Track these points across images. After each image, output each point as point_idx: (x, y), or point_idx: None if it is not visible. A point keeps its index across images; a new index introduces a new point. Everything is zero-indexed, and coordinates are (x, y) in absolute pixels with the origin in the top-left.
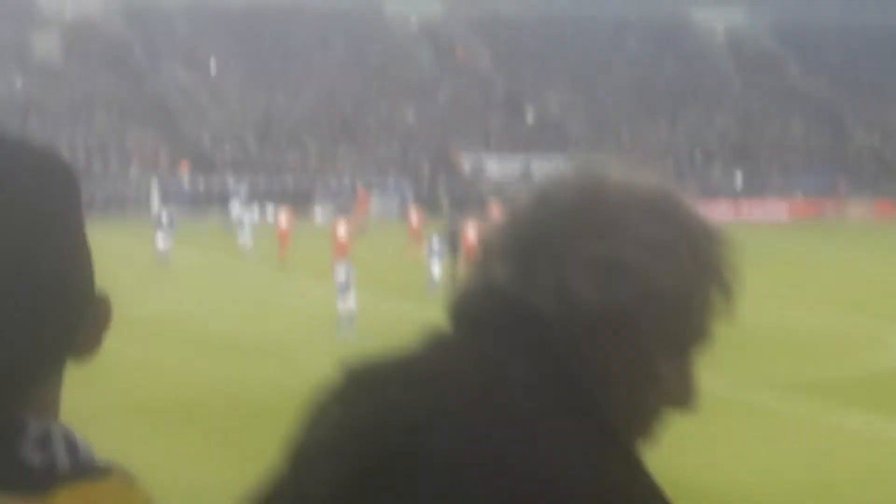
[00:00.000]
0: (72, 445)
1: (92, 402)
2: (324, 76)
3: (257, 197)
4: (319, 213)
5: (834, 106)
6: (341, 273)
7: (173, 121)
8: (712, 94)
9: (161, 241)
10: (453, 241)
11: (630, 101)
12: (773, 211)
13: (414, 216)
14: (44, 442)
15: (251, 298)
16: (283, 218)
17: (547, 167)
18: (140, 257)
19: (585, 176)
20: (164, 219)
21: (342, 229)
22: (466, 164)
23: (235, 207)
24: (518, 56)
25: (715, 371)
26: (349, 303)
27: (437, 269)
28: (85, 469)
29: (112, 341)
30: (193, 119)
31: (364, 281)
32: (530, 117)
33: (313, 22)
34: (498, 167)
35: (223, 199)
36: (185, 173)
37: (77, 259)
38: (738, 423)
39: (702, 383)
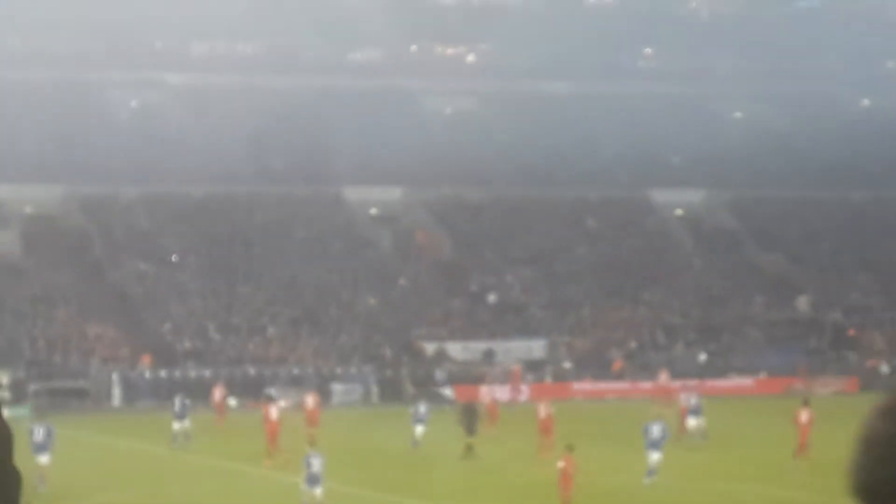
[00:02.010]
0: None
1: None
2: (285, 264)
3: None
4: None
5: (793, 282)
6: (314, 463)
7: (134, 313)
8: (673, 273)
9: (176, 425)
10: (468, 413)
11: (591, 281)
12: (737, 390)
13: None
14: None
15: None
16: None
17: (510, 350)
18: (102, 450)
19: None
20: (178, 407)
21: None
22: (429, 349)
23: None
24: (478, 239)
25: None
26: (317, 491)
27: (420, 430)
28: None
29: None
30: (154, 311)
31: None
32: (492, 300)
33: (273, 211)
34: (461, 351)
35: (184, 390)
36: (146, 366)
37: None
38: None
39: None
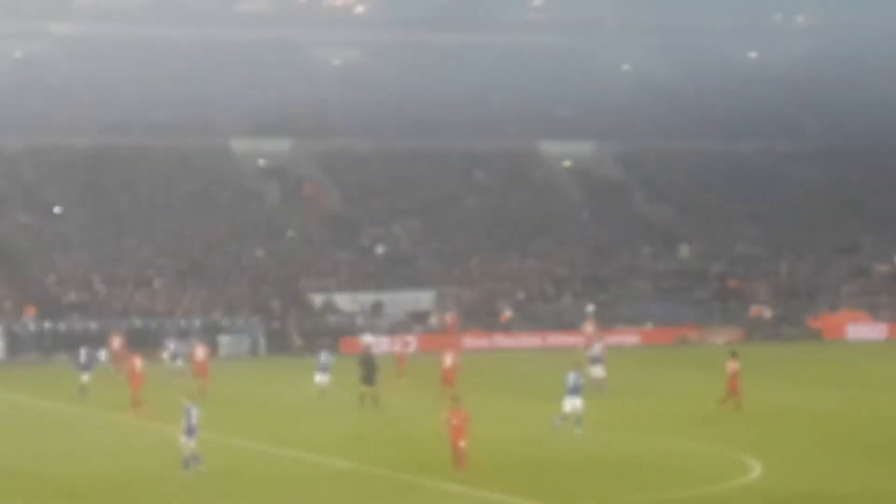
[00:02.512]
0: None
1: None
2: (171, 216)
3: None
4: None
5: (680, 233)
6: (193, 414)
7: (18, 265)
8: (561, 224)
9: (85, 377)
10: (367, 362)
11: (480, 233)
12: (624, 341)
13: None
14: None
15: (100, 441)
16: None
17: (398, 301)
18: None
19: None
20: (83, 358)
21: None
22: (317, 300)
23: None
24: (367, 191)
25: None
26: (193, 442)
27: (322, 379)
28: None
29: None
30: (38, 263)
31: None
32: (380, 252)
33: (159, 162)
34: (349, 303)
35: (70, 343)
36: (30, 318)
37: None
38: None
39: None
